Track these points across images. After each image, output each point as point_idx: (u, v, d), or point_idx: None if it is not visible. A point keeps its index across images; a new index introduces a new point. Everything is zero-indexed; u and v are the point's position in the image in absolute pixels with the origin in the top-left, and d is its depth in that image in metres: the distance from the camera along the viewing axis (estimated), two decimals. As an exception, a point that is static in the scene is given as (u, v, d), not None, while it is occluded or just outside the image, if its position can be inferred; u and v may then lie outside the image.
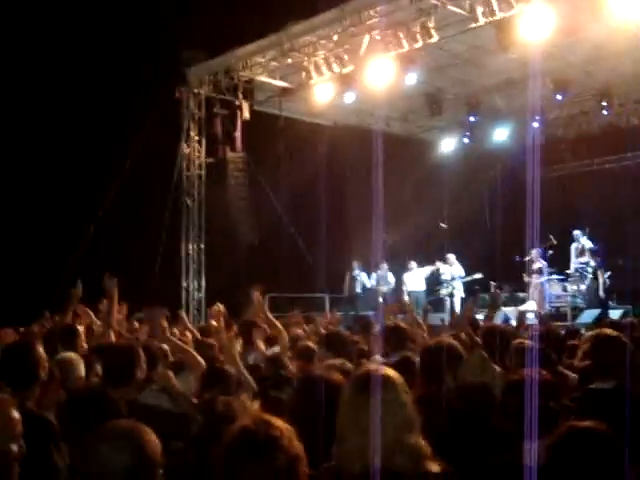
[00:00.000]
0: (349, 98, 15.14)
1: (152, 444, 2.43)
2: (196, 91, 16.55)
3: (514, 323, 9.63)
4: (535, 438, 2.76)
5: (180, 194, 16.22)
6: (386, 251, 16.82)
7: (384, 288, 17.38)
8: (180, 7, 14.72)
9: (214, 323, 8.11)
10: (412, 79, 14.04)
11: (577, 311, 14.93)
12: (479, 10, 12.52)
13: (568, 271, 16.25)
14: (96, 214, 14.41)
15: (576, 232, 16.38)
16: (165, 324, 6.09)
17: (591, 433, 2.48)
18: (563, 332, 8.69)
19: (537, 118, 17.11)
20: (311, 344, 6.19)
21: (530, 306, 15.04)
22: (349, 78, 14.57)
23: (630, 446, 2.36)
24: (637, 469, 2.50)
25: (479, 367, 4.17)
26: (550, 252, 16.39)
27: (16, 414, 2.92)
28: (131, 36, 14.78)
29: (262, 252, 15.76)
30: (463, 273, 17.30)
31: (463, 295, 17.22)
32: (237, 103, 16.06)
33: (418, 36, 13.24)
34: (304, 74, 15.34)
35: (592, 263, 15.79)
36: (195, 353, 5.50)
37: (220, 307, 9.04)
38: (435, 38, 13.16)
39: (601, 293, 15.64)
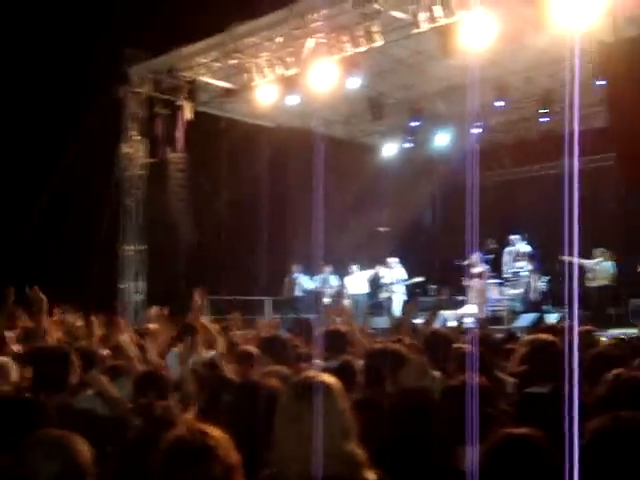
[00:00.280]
0: (292, 100, 15.13)
1: (82, 453, 2.37)
2: (137, 90, 16.33)
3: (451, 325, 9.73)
4: (471, 443, 2.77)
5: (120, 194, 15.98)
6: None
7: (328, 291, 17.38)
8: (122, 5, 14.51)
9: (153, 326, 8.01)
10: (355, 83, 14.10)
11: (515, 315, 15.15)
12: (422, 16, 12.61)
13: (506, 275, 16.48)
14: (32, 214, 14.10)
15: (513, 237, 16.62)
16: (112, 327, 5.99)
17: (524, 440, 2.50)
18: (501, 336, 8.82)
19: (478, 124, 17.35)
20: (251, 348, 6.13)
21: (470, 310, 15.21)
22: (292, 80, 14.56)
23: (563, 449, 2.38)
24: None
25: (418, 372, 4.18)
26: (490, 256, 16.62)
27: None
28: (72, 33, 14.51)
29: (203, 254, 15.62)
30: (405, 276, 17.40)
31: (405, 298, 17.32)
32: (179, 103, 15.91)
33: (362, 40, 13.30)
34: (247, 75, 15.26)
35: (529, 267, 16.05)
36: (133, 357, 5.42)
37: (159, 310, 8.94)
38: (378, 43, 13.23)
39: (536, 297, 15.90)
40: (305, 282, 17.56)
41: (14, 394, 4.41)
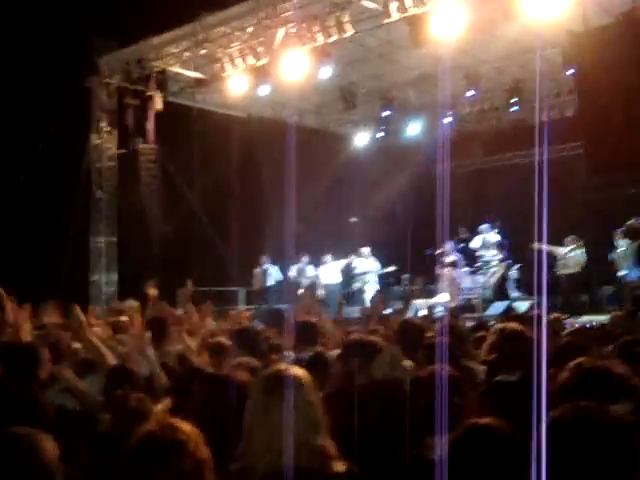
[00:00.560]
0: (263, 90, 15.08)
1: (47, 452, 2.36)
2: (107, 81, 16.18)
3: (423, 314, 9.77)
4: (440, 433, 2.79)
5: (90, 186, 15.84)
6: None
7: (303, 281, 17.39)
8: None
9: (126, 319, 7.96)
10: (326, 73, 14.08)
11: (486, 303, 15.26)
12: (393, 6, 12.62)
13: (477, 264, 16.58)
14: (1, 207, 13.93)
15: (483, 226, 16.73)
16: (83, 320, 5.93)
17: (489, 430, 2.53)
18: (472, 324, 8.89)
19: (449, 113, 17.41)
20: (224, 340, 6.13)
21: (442, 298, 15.29)
22: (263, 70, 14.50)
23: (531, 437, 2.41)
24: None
25: (391, 362, 4.20)
26: (462, 245, 16.73)
27: None
28: (41, 23, 14.33)
29: (175, 245, 15.53)
30: (378, 266, 17.46)
31: (378, 288, 17.38)
32: (149, 94, 15.78)
33: (332, 30, 13.28)
34: (218, 65, 15.19)
35: (500, 256, 16.18)
36: (106, 351, 5.38)
37: (133, 303, 8.90)
38: (349, 32, 13.23)
39: (507, 285, 16.04)
40: (275, 273, 17.50)
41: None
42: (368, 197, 19.43)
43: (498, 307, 14.06)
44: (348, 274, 17.61)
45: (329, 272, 17.49)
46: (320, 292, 16.90)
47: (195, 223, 16.13)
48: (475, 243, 16.67)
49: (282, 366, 2.91)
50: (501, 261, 16.14)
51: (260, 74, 14.58)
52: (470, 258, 16.80)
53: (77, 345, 6.15)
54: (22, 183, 13.86)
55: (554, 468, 2.02)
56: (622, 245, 14.72)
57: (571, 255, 15.56)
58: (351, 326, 8.32)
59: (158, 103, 15.75)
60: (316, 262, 17.64)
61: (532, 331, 4.83)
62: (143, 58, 15.68)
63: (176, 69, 15.89)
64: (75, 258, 14.82)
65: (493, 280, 16.05)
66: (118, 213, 16.11)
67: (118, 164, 16.37)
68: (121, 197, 16.14)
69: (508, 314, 10.86)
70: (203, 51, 15.11)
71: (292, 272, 17.52)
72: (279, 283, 17.41)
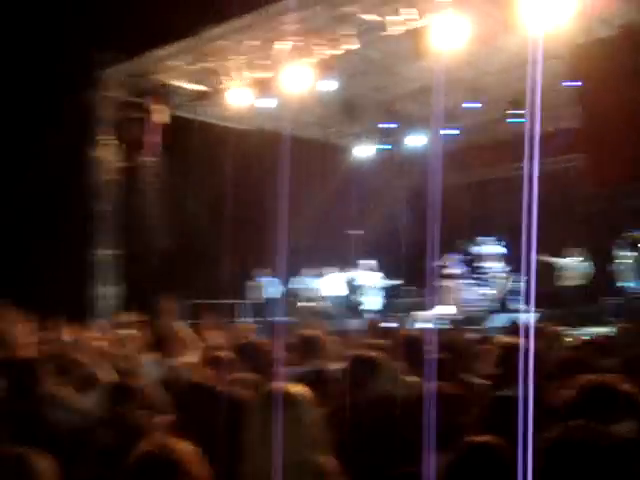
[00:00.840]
0: (265, 103, 15.11)
1: (44, 472, 2.34)
2: (110, 94, 16.19)
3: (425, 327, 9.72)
4: (436, 451, 2.77)
5: (91, 199, 15.83)
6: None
7: (305, 294, 17.33)
8: (94, 7, 14.39)
9: (126, 332, 7.95)
10: (328, 85, 14.11)
11: (489, 315, 15.21)
12: (395, 18, 12.64)
13: (480, 276, 16.55)
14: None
15: (486, 238, 16.72)
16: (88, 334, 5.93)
17: (486, 449, 2.51)
18: (475, 337, 8.83)
19: (452, 125, 17.43)
20: (226, 354, 6.10)
21: (444, 310, 15.26)
22: (265, 83, 14.53)
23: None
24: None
25: (389, 378, 4.18)
26: (465, 257, 16.71)
27: None
28: (43, 35, 14.36)
29: (176, 259, 15.50)
30: (380, 278, 17.43)
31: (381, 301, 17.36)
32: (152, 107, 15.80)
33: (335, 43, 13.31)
34: (220, 78, 15.21)
35: (503, 268, 16.14)
36: (107, 365, 5.37)
37: (134, 316, 8.88)
38: (352, 46, 13.25)
39: (511, 298, 15.99)
40: (274, 286, 17.35)
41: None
42: (370, 209, 19.40)
43: (501, 319, 14.01)
44: (350, 287, 17.56)
45: (332, 284, 17.46)
46: (323, 304, 16.87)
47: (196, 236, 16.11)
48: (478, 255, 16.65)
49: (281, 383, 2.89)
50: (506, 273, 16.10)
51: (262, 87, 14.62)
52: (473, 270, 16.77)
53: (79, 359, 6.14)
54: (22, 196, 13.85)
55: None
56: (626, 257, 14.70)
57: (575, 267, 15.55)
58: (354, 339, 8.29)
59: (164, 116, 15.78)
60: (318, 275, 17.60)
61: (536, 344, 4.78)
62: (145, 71, 15.71)
63: (178, 82, 15.91)
64: (78, 272, 14.81)
65: (497, 292, 16.00)
66: (119, 226, 16.07)
67: (120, 177, 16.34)
68: (122, 210, 16.10)
69: (512, 326, 10.80)
70: (205, 64, 15.12)
71: (294, 284, 17.47)
72: (279, 296, 17.30)
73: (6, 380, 4.46)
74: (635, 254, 14.71)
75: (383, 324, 9.65)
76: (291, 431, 2.59)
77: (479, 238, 16.88)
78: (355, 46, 13.31)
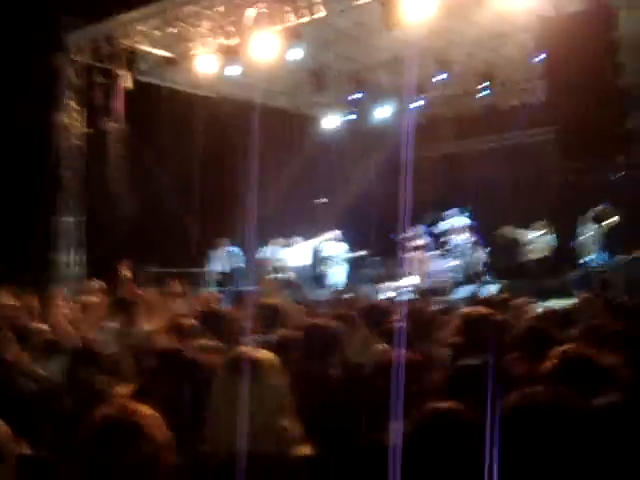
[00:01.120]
0: (233, 70, 14.95)
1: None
2: (75, 59, 15.90)
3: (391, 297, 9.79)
4: (399, 419, 2.78)
5: (57, 165, 15.60)
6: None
7: (273, 263, 17.29)
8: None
9: (90, 299, 7.90)
10: (297, 54, 14.00)
11: (455, 286, 15.34)
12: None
13: (447, 247, 16.65)
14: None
15: (451, 210, 16.81)
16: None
17: (448, 415, 2.53)
18: (439, 307, 8.91)
19: (420, 97, 17.41)
20: (191, 321, 6.10)
21: (411, 281, 15.34)
22: (233, 50, 14.38)
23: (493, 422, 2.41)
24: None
25: (361, 346, 4.21)
26: (431, 229, 16.79)
27: None
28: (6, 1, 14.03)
29: (142, 226, 15.37)
30: (347, 249, 17.46)
31: (347, 271, 17.41)
32: (118, 72, 15.56)
33: (304, 11, 13.20)
34: (188, 44, 15.04)
35: (470, 239, 16.25)
36: (69, 332, 5.34)
37: (98, 283, 8.82)
38: (321, 14, 13.15)
39: (477, 269, 16.12)
40: (237, 255, 17.27)
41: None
42: (337, 180, 19.39)
43: (465, 290, 14.15)
44: (317, 257, 17.56)
45: (298, 254, 17.44)
46: (289, 274, 16.87)
47: (162, 203, 15.99)
48: (444, 227, 16.73)
49: (246, 348, 2.89)
50: (472, 244, 16.22)
51: (230, 54, 14.45)
52: (438, 241, 16.86)
53: (41, 326, 6.10)
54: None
55: (507, 455, 2.03)
56: (589, 230, 14.90)
57: (540, 239, 15.72)
58: (320, 308, 8.33)
59: (128, 82, 15.54)
60: (285, 245, 17.57)
61: (498, 315, 4.85)
62: (112, 36, 15.42)
63: (145, 47, 15.66)
64: (42, 238, 14.64)
65: (464, 263, 16.12)
66: (85, 193, 15.87)
67: (86, 143, 16.10)
68: (88, 177, 15.89)
69: (475, 298, 10.91)
70: (173, 30, 14.91)
71: (262, 254, 17.41)
72: (244, 265, 17.22)
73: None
74: (598, 227, 14.93)
75: (346, 295, 9.68)
76: (257, 396, 2.59)
77: (448, 210, 16.96)
78: (322, 14, 13.22)
